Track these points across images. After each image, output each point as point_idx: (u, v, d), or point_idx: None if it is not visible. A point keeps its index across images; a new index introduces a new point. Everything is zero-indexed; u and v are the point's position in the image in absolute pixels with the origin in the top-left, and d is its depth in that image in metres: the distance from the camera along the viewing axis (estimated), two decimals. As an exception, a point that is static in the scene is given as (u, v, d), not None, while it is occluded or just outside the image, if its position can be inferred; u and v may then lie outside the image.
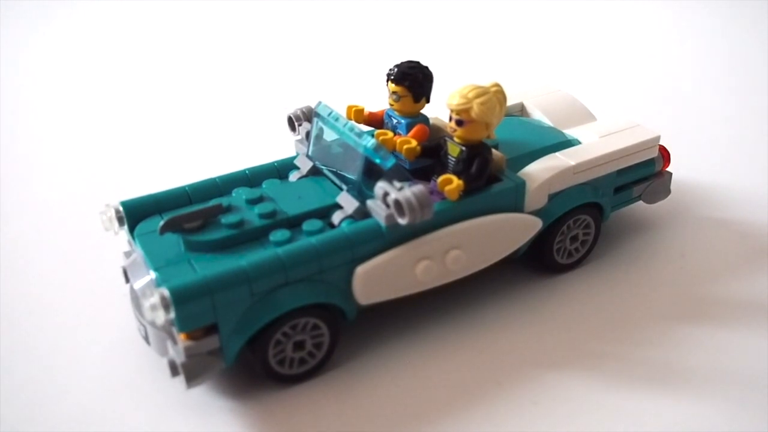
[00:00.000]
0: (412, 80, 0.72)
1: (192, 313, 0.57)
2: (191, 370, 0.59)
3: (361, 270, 0.64)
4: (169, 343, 0.61)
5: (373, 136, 0.66)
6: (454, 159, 0.69)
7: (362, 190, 0.66)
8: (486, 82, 0.69)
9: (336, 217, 0.66)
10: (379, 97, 0.82)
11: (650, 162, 0.84)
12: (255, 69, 1.49)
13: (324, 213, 0.68)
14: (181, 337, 0.59)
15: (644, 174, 0.84)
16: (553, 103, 0.90)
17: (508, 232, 0.72)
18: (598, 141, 0.81)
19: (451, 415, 0.63)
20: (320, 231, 0.65)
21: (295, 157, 0.76)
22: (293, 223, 0.66)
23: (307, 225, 0.65)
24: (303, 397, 0.65)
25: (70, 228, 0.91)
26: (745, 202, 0.95)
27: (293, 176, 0.74)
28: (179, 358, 0.59)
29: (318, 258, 0.62)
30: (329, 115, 0.71)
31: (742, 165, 1.05)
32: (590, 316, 0.75)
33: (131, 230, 0.68)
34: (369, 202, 0.65)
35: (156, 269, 0.61)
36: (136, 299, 0.66)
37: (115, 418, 0.64)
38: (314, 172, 0.73)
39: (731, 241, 0.87)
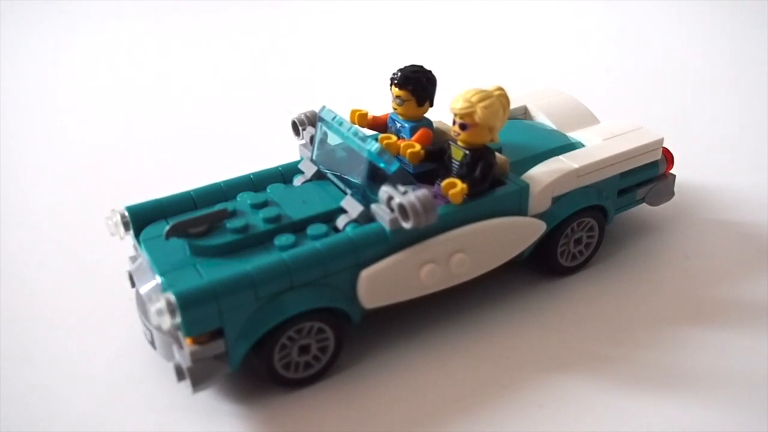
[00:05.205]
0: (416, 84, 0.72)
1: (198, 317, 0.57)
2: (197, 375, 0.59)
3: (365, 274, 0.64)
4: (175, 348, 0.61)
5: (377, 140, 0.66)
6: (457, 163, 0.70)
7: (366, 194, 0.67)
8: (489, 85, 0.69)
9: (340, 222, 0.67)
10: (382, 101, 0.82)
11: (654, 164, 0.84)
12: (259, 74, 1.49)
13: (328, 217, 0.68)
14: (186, 342, 0.59)
15: (648, 176, 0.84)
16: (556, 106, 0.90)
17: (512, 235, 0.72)
18: (601, 144, 0.81)
19: (456, 418, 0.63)
20: (325, 235, 0.65)
21: (299, 162, 0.77)
22: (298, 228, 0.67)
23: (312, 229, 0.66)
24: (308, 400, 0.65)
25: (76, 233, 0.91)
26: (748, 203, 0.95)
27: (298, 181, 0.74)
28: (185, 363, 0.59)
29: (323, 262, 0.62)
30: (333, 119, 0.71)
31: (745, 167, 1.05)
32: (594, 318, 0.75)
33: (137, 235, 0.68)
34: (373, 206, 0.65)
35: (162, 274, 0.62)
36: (141, 304, 0.66)
37: (120, 422, 0.64)
38: (318, 176, 0.74)
39: (735, 243, 0.87)
